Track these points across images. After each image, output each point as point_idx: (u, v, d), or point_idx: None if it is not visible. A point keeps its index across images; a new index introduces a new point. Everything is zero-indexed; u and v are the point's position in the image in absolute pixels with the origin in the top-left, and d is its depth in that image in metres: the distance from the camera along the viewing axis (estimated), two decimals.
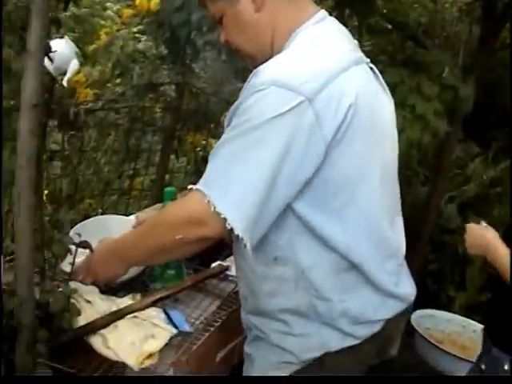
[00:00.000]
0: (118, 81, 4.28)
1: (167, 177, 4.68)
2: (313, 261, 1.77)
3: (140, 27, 4.41)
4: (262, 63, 1.75)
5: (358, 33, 4.57)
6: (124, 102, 4.26)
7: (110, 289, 2.14)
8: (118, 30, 4.31)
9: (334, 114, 1.64)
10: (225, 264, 2.50)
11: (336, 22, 1.90)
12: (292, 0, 1.83)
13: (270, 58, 1.79)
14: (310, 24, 1.81)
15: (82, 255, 2.06)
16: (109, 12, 9.80)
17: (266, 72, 1.67)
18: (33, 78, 1.62)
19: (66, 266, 2.06)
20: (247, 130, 1.64)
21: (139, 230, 2.00)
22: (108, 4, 9.83)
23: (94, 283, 2.03)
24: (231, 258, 2.66)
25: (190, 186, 1.71)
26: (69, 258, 1.97)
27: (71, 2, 1.99)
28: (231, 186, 1.62)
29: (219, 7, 1.85)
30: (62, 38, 3.23)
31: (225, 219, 1.61)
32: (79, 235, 1.95)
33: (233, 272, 2.47)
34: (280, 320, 1.85)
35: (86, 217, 3.95)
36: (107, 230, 2.47)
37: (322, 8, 1.89)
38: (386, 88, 1.96)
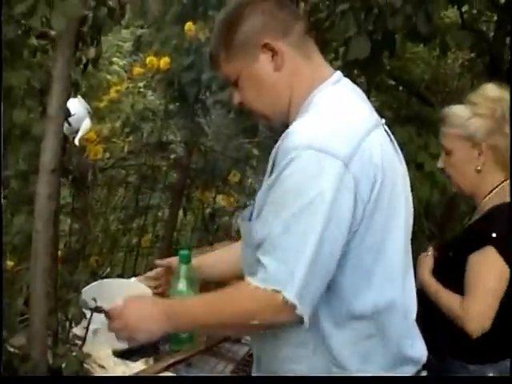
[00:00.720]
0: (127, 138, 4.30)
1: (174, 234, 4.67)
2: (335, 327, 1.74)
3: (146, 82, 4.44)
4: (277, 123, 1.78)
5: (366, 91, 4.63)
6: (133, 159, 4.28)
7: (123, 353, 2.12)
8: (127, 88, 4.33)
9: (366, 175, 1.63)
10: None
11: (350, 82, 1.88)
12: (309, 60, 1.81)
13: (286, 117, 1.80)
14: (329, 84, 1.79)
15: (95, 321, 2.04)
16: (115, 67, 9.93)
17: (299, 135, 1.64)
18: (53, 142, 1.64)
19: (79, 330, 2.05)
20: (296, 209, 1.59)
21: (204, 302, 1.86)
22: (114, 59, 9.97)
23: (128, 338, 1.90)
24: None
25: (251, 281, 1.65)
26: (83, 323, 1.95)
27: (90, 64, 1.98)
28: (295, 275, 1.58)
29: (235, 67, 1.81)
30: (74, 97, 3.27)
31: (295, 307, 1.58)
32: (95, 300, 1.93)
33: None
34: None
35: (93, 274, 3.96)
36: (115, 293, 2.46)
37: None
38: (398, 149, 1.92)
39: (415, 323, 1.94)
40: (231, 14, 1.85)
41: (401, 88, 4.82)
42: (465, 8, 6.53)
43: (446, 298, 2.43)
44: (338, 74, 1.84)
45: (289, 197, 1.61)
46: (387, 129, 1.88)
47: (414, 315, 1.92)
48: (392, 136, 1.89)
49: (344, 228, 1.61)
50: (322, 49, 4.29)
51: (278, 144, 1.69)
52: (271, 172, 1.70)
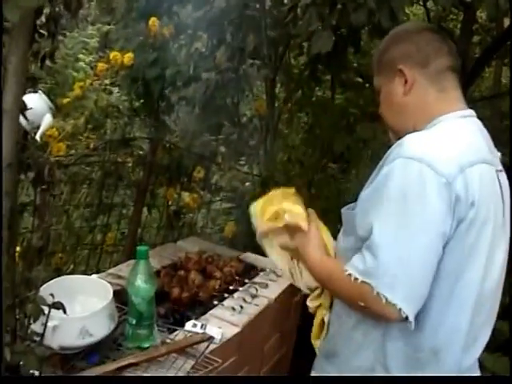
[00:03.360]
0: (91, 135, 4.26)
1: (139, 231, 4.64)
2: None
3: (113, 79, 4.41)
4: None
5: (330, 87, 4.63)
6: (97, 156, 4.24)
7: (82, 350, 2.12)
8: (91, 84, 4.28)
9: (466, 197, 1.75)
10: (208, 333, 2.44)
11: (479, 123, 2.00)
12: (442, 93, 1.97)
13: None
14: (455, 116, 1.94)
15: (53, 317, 2.02)
16: (81, 63, 9.85)
17: (409, 145, 1.79)
18: (8, 136, 1.61)
19: (38, 327, 2.02)
20: (395, 214, 1.76)
21: (328, 272, 2.02)
22: (80, 55, 9.89)
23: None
24: (205, 316, 2.64)
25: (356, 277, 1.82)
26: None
27: (47, 58, 1.96)
28: (399, 277, 1.75)
29: (379, 81, 2.09)
30: (35, 92, 3.22)
31: (399, 309, 1.75)
32: (52, 296, 1.91)
33: (208, 331, 2.44)
34: None
35: (57, 270, 3.91)
36: (75, 289, 2.44)
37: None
38: (506, 200, 1.99)
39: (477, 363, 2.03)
40: (391, 35, 2.12)
41: (367, 85, 4.83)
42: (431, 6, 6.58)
43: None
44: (470, 111, 2.00)
45: (396, 205, 1.76)
46: (500, 175, 1.96)
47: (478, 353, 2.00)
48: (503, 182, 1.97)
49: (439, 239, 1.76)
50: (287, 44, 4.30)
51: (391, 148, 1.85)
52: (377, 172, 1.87)
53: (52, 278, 2.46)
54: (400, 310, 1.73)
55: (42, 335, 2.00)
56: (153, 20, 4.01)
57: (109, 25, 8.62)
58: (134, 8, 4.42)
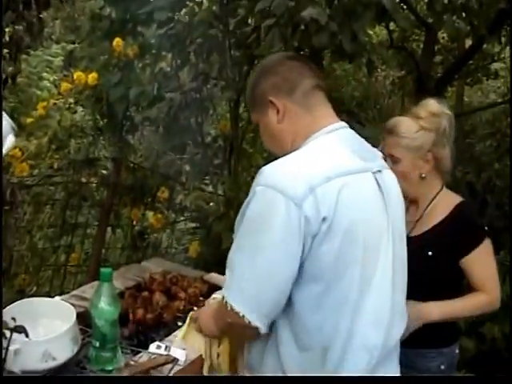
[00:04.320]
0: (54, 155, 4.24)
1: (103, 251, 4.62)
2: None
3: (75, 98, 4.41)
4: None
5: None
6: (60, 176, 4.22)
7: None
8: (54, 104, 4.27)
9: (317, 215, 1.88)
10: (172, 354, 2.43)
11: (349, 132, 2.18)
12: (310, 112, 2.13)
13: None
14: (323, 133, 2.09)
15: (15, 340, 2.00)
16: (45, 82, 9.79)
17: (265, 174, 1.97)
18: None
19: None
20: (247, 235, 1.98)
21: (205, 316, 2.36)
22: (44, 74, 9.84)
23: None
24: (169, 337, 2.63)
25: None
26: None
27: (9, 80, 1.96)
28: (245, 290, 1.95)
29: (255, 116, 2.26)
30: None
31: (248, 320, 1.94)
32: (14, 320, 1.90)
33: (172, 353, 2.43)
34: None
35: (20, 292, 3.88)
36: (37, 312, 2.42)
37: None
38: (390, 197, 2.14)
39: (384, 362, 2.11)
40: (257, 71, 2.32)
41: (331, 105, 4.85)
42: (394, 27, 6.66)
43: (468, 306, 2.75)
44: (338, 124, 2.16)
45: (249, 227, 1.98)
46: (378, 176, 2.11)
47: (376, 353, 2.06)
48: (382, 182, 2.12)
49: (290, 258, 1.91)
50: (251, 64, 4.31)
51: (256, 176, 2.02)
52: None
53: (15, 300, 2.43)
54: (245, 317, 1.93)
55: (4, 359, 1.99)
56: (117, 40, 4.02)
57: (73, 43, 8.60)
58: (99, 27, 4.41)
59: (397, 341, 2.16)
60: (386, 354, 2.09)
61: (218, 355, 2.40)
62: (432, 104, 2.78)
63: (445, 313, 2.64)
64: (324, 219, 1.89)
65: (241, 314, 1.92)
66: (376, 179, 2.09)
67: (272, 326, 2.00)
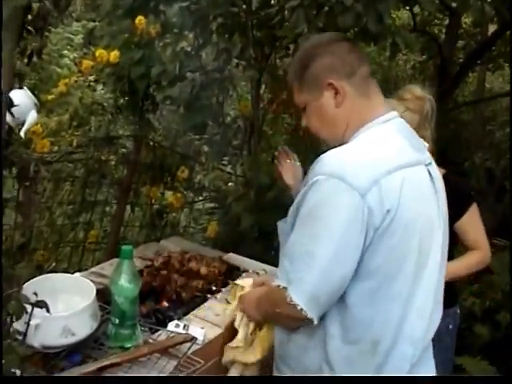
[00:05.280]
0: (75, 132, 4.24)
1: (122, 229, 4.62)
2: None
3: (96, 76, 4.41)
4: (333, 146, 1.98)
5: None
6: (80, 153, 4.23)
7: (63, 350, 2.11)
8: (75, 81, 4.27)
9: (381, 207, 1.83)
10: (190, 333, 2.44)
11: (402, 123, 2.10)
12: (368, 99, 2.04)
13: (340, 143, 2.01)
14: (379, 122, 2.01)
15: (36, 315, 2.01)
16: (65, 60, 9.79)
17: (326, 162, 1.89)
18: None
19: (20, 326, 2.01)
20: (309, 225, 1.89)
21: (259, 300, 2.22)
22: (65, 52, 9.84)
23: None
24: (188, 316, 2.64)
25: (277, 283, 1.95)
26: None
27: (35, 55, 1.95)
28: (306, 283, 1.87)
29: (305, 98, 2.09)
30: (21, 88, 3.20)
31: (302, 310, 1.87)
32: (36, 294, 1.90)
33: (190, 331, 2.44)
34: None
35: (39, 268, 3.90)
36: (57, 288, 2.43)
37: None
38: (439, 190, 2.09)
39: (425, 354, 2.11)
40: (306, 50, 2.13)
41: None
42: (417, 10, 6.61)
43: (466, 264, 3.03)
44: (392, 113, 2.07)
45: (309, 217, 1.89)
46: (431, 169, 2.07)
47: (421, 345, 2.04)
48: (435, 175, 2.08)
49: (352, 249, 1.85)
50: (273, 45, 4.30)
51: (312, 164, 1.94)
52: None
53: (34, 276, 2.44)
54: (303, 311, 1.86)
55: (25, 334, 2.00)
56: (139, 18, 4.00)
57: (94, 21, 8.58)
58: (120, 5, 4.40)
59: (434, 333, 2.12)
60: (425, 349, 2.07)
61: (253, 341, 2.34)
62: (415, 88, 2.97)
63: (447, 273, 2.65)
64: (388, 212, 1.84)
65: (299, 307, 1.86)
66: (429, 171, 2.05)
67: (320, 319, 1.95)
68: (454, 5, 5.72)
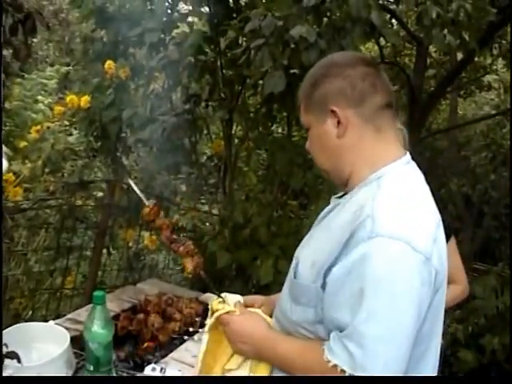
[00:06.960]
0: (49, 178, 4.25)
1: (99, 273, 4.61)
2: None
3: (70, 119, 4.44)
4: (335, 181, 1.86)
5: (287, 124, 4.67)
6: (55, 199, 4.23)
7: None
8: (48, 128, 4.28)
9: (442, 270, 1.69)
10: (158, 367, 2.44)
11: (415, 164, 1.86)
12: (379, 134, 1.80)
13: (344, 181, 1.84)
14: (400, 164, 1.80)
15: (8, 366, 2.00)
16: (40, 105, 9.81)
17: (385, 221, 1.63)
18: None
19: None
20: (382, 299, 1.59)
21: (283, 355, 1.87)
22: (39, 97, 9.86)
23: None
24: (165, 359, 2.63)
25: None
26: None
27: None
28: (387, 366, 1.60)
29: (309, 119, 1.86)
30: None
31: None
32: (6, 346, 1.90)
33: (167, 375, 2.43)
34: None
35: (16, 316, 3.87)
36: (31, 337, 2.42)
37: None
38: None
39: None
40: (321, 68, 1.87)
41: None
42: (385, 42, 6.70)
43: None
44: (408, 155, 1.85)
45: (380, 287, 1.60)
46: None
47: None
48: None
49: (420, 316, 1.63)
50: (242, 84, 4.33)
51: (357, 219, 1.67)
52: (346, 244, 1.67)
53: (11, 325, 2.43)
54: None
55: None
56: (109, 63, 4.04)
57: (68, 66, 8.62)
58: (91, 50, 4.44)
59: None
60: None
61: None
62: None
63: None
64: (442, 269, 1.70)
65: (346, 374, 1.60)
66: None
67: None
68: (420, 35, 5.80)
